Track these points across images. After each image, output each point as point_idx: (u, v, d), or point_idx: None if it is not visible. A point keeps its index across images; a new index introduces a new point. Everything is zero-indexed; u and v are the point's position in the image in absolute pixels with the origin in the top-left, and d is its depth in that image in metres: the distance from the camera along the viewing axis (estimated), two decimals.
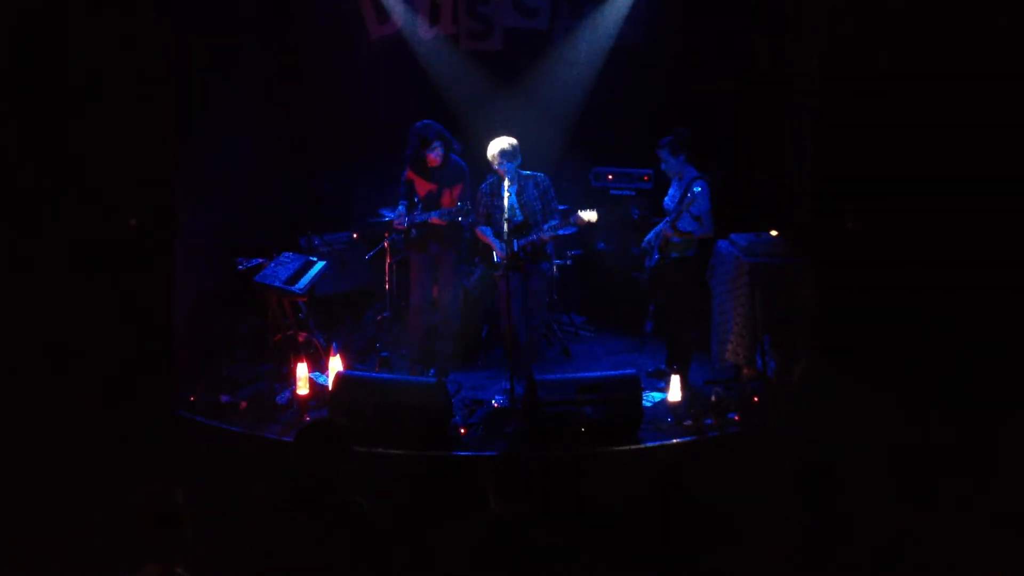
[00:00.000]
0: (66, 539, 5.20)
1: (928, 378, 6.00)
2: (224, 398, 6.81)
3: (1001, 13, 5.85)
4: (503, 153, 6.93)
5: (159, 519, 3.63)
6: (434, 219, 7.21)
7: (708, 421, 6.52)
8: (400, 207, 7.36)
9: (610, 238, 8.79)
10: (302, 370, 6.80)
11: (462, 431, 6.47)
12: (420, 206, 7.32)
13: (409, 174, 7.39)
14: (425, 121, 7.22)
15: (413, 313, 7.64)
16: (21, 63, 5.91)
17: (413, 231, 7.33)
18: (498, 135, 7.09)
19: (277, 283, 7.19)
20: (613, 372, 6.78)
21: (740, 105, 7.93)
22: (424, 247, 7.40)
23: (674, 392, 6.86)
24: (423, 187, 7.36)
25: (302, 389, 6.78)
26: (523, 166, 7.11)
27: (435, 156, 7.19)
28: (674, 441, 6.32)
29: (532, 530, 3.96)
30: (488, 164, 7.08)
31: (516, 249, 6.94)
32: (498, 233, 7.04)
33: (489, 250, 7.30)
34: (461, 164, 7.33)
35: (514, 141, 6.98)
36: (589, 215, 6.95)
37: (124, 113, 6.08)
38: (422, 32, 8.82)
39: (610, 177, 8.80)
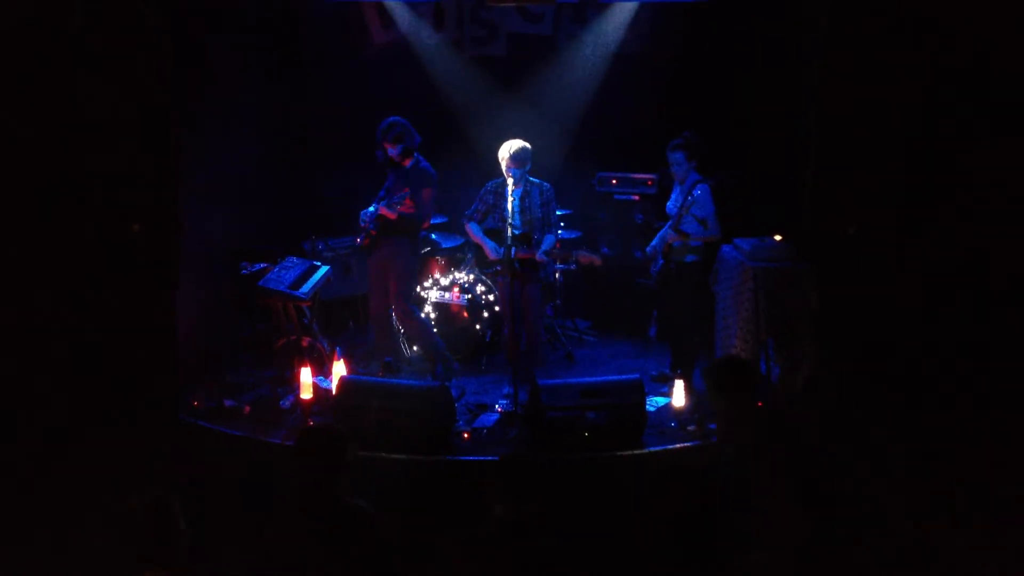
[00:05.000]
0: (67, 546, 5.20)
1: (932, 383, 6.00)
2: (228, 402, 6.80)
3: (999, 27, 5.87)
4: (514, 157, 6.95)
5: (156, 527, 3.64)
6: (382, 209, 7.21)
7: (712, 426, 6.50)
8: (371, 207, 7.38)
9: (614, 243, 8.80)
10: (306, 375, 6.79)
11: (465, 436, 6.46)
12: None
13: (389, 174, 7.46)
14: (389, 119, 7.25)
15: (372, 319, 7.69)
16: (23, 70, 5.93)
17: (371, 226, 7.35)
18: (502, 139, 7.10)
19: (281, 287, 7.19)
20: (617, 377, 6.77)
21: (743, 110, 7.94)
22: (378, 247, 7.42)
23: (678, 397, 6.84)
24: (390, 186, 7.41)
25: (306, 394, 6.77)
26: (528, 171, 7.13)
27: (392, 154, 7.25)
28: (678, 446, 6.31)
29: (535, 535, 3.95)
30: (496, 165, 7.10)
31: (513, 257, 6.94)
32: (498, 233, 7.04)
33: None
34: (428, 170, 7.33)
35: (527, 146, 6.99)
36: (592, 258, 6.97)
37: (127, 119, 6.10)
38: (426, 37, 8.84)
39: (614, 182, 8.81)
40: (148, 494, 3.67)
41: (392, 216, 7.21)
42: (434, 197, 7.37)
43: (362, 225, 7.40)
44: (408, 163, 7.32)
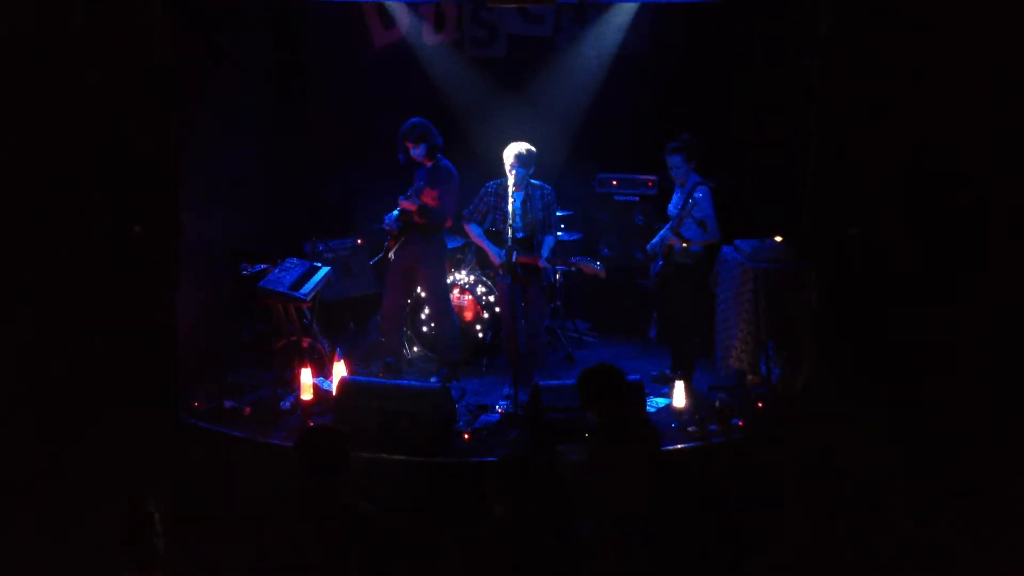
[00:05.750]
0: (67, 546, 5.20)
1: (933, 383, 6.00)
2: (228, 403, 6.80)
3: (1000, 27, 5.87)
4: (518, 157, 6.94)
5: (133, 530, 3.66)
6: (402, 202, 7.24)
7: (712, 427, 6.50)
8: (394, 211, 7.44)
9: (614, 244, 8.79)
10: (306, 376, 6.80)
11: (465, 437, 6.46)
12: None
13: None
14: (412, 120, 7.27)
15: (383, 318, 7.71)
16: (24, 69, 5.93)
17: (395, 226, 7.39)
18: (502, 140, 7.10)
19: (281, 289, 7.19)
20: None
21: (744, 112, 7.94)
22: (403, 247, 7.44)
23: (678, 398, 6.85)
24: (415, 185, 7.44)
25: (306, 395, 6.77)
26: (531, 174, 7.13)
27: (415, 154, 7.27)
28: (678, 447, 6.31)
29: (535, 535, 3.95)
30: (497, 166, 7.10)
31: (514, 260, 6.93)
32: (498, 233, 7.04)
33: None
34: (450, 168, 7.37)
35: (532, 148, 6.99)
36: (596, 270, 6.96)
37: (128, 119, 6.10)
38: (427, 38, 8.84)
39: (615, 183, 8.80)
40: (127, 498, 3.70)
41: (413, 207, 7.22)
42: (457, 196, 7.40)
43: (388, 229, 7.42)
44: (430, 163, 7.35)
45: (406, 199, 7.20)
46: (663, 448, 6.09)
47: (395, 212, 7.39)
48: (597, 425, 4.82)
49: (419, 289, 7.77)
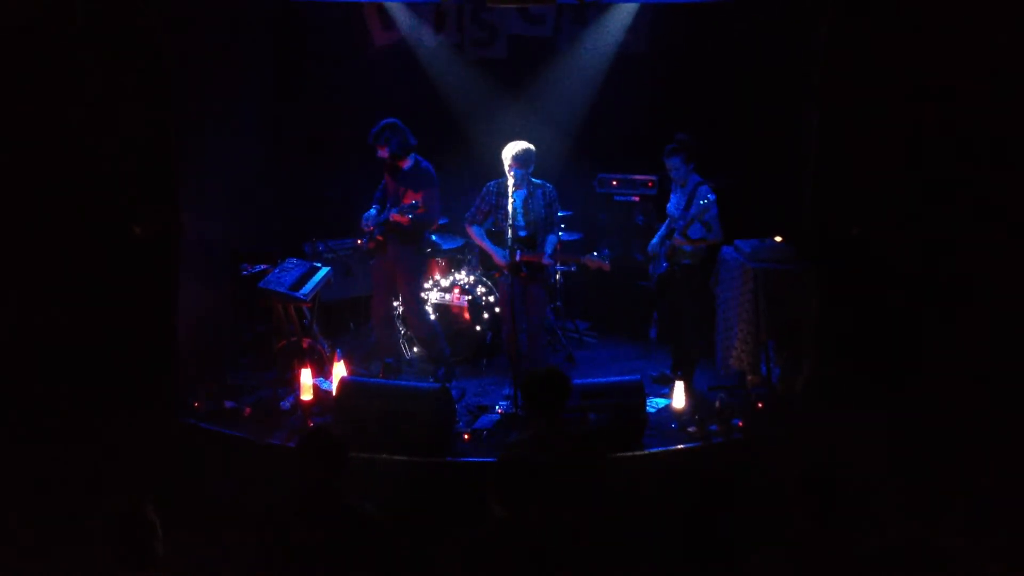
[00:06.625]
0: (67, 547, 5.20)
1: (933, 383, 6.00)
2: (228, 404, 6.80)
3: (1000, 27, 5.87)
4: (516, 157, 6.93)
5: (129, 532, 3.67)
6: (394, 216, 7.22)
7: (713, 427, 6.50)
8: (371, 210, 7.42)
9: (614, 244, 8.79)
10: (306, 376, 6.80)
11: (465, 437, 6.46)
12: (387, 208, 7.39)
13: (386, 176, 7.45)
14: (381, 122, 7.25)
15: (374, 319, 7.74)
16: (24, 70, 5.94)
17: (376, 231, 7.37)
18: (502, 141, 7.09)
19: (281, 289, 7.19)
20: (617, 378, 6.76)
21: (744, 112, 7.94)
22: (384, 250, 7.44)
23: (678, 398, 6.85)
24: (390, 189, 7.43)
25: (306, 395, 6.78)
26: (531, 173, 7.12)
27: (381, 156, 7.26)
28: (678, 447, 6.31)
29: (535, 536, 3.95)
30: (497, 167, 7.10)
31: (518, 260, 6.93)
32: (501, 233, 7.05)
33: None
34: (430, 171, 7.35)
35: (531, 147, 6.98)
36: (600, 263, 6.93)
37: (128, 119, 6.10)
38: (427, 39, 8.84)
39: (615, 183, 8.80)
40: (126, 498, 3.70)
41: (405, 221, 7.20)
42: (439, 198, 7.37)
43: (365, 228, 7.41)
44: (406, 165, 7.31)
45: (401, 213, 7.17)
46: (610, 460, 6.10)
47: (373, 212, 7.37)
48: (536, 431, 4.78)
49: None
